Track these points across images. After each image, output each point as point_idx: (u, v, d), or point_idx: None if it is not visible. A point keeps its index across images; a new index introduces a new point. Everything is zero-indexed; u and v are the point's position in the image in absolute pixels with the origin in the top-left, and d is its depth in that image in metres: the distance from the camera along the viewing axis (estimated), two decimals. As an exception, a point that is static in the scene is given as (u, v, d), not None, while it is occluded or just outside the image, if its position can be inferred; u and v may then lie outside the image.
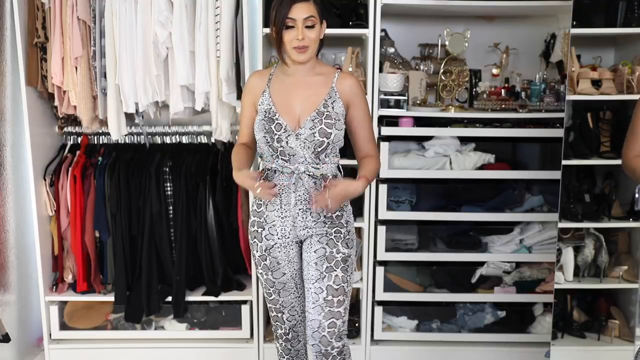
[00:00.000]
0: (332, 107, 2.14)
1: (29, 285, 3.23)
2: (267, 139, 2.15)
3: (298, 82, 2.18)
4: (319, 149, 2.13)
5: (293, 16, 2.05)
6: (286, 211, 2.18)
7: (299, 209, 2.17)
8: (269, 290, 2.28)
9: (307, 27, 2.07)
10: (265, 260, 2.24)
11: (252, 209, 2.26)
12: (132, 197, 3.14)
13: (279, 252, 2.22)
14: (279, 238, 2.21)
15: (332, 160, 2.19)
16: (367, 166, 2.18)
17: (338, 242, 2.19)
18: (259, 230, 2.23)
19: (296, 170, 2.14)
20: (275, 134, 2.13)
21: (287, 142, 2.12)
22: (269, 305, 2.34)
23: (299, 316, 2.33)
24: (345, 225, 2.22)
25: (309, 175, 2.15)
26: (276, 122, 2.13)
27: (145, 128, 3.22)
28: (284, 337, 2.36)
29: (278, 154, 2.15)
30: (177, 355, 3.24)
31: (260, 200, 2.21)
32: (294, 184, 2.15)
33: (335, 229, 2.20)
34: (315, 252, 2.19)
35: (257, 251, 2.25)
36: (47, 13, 2.95)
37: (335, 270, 2.18)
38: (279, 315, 2.32)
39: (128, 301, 3.17)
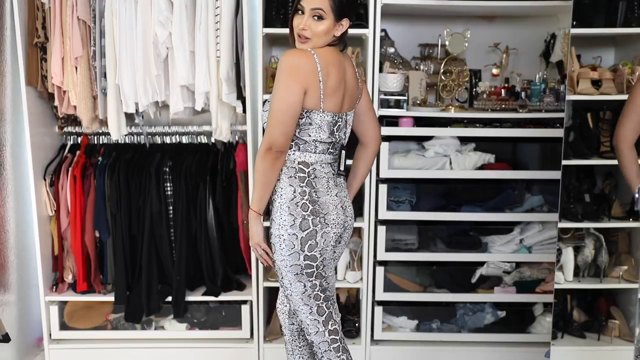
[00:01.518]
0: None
1: (29, 285, 3.23)
2: None
3: None
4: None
5: (303, 3, 2.06)
6: None
7: None
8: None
9: (314, 17, 2.05)
10: None
11: None
12: (132, 197, 3.14)
13: None
14: None
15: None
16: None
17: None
18: None
19: None
20: None
21: None
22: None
23: None
24: (270, 226, 2.17)
25: None
26: None
27: (145, 128, 3.21)
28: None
29: None
30: (177, 355, 3.23)
31: None
32: None
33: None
34: None
35: None
36: (47, 13, 2.95)
37: None
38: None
39: (128, 301, 3.17)
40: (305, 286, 2.15)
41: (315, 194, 2.13)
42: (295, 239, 2.10)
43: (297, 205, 2.10)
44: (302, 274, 2.14)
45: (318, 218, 2.11)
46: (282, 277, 2.17)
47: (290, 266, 2.13)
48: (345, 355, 2.24)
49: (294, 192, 2.11)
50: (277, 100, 2.02)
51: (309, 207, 2.10)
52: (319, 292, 2.18)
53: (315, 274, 2.15)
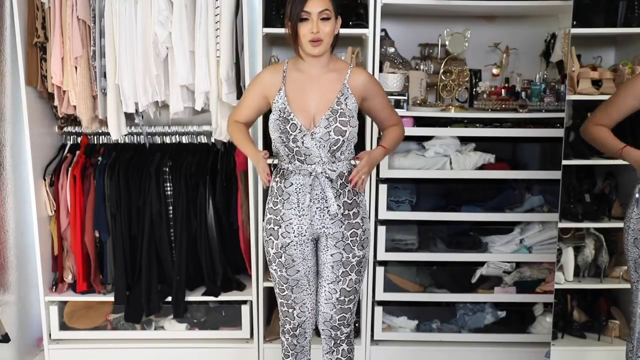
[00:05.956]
0: (345, 104, 2.17)
1: (29, 285, 3.23)
2: (282, 139, 2.17)
3: (312, 79, 2.20)
4: (334, 148, 2.16)
5: (308, 9, 2.09)
6: (303, 210, 2.21)
7: (316, 208, 2.21)
8: (282, 286, 2.31)
9: (322, 20, 2.10)
10: (281, 257, 2.26)
11: (268, 206, 2.29)
12: (132, 197, 3.14)
13: (295, 249, 2.25)
14: (295, 236, 2.24)
15: (347, 157, 2.24)
16: (389, 135, 2.30)
17: (354, 246, 2.24)
18: (275, 227, 2.25)
19: (313, 172, 2.17)
20: (291, 134, 2.15)
21: (302, 142, 2.15)
22: (280, 301, 2.36)
23: (309, 313, 2.35)
24: (361, 224, 2.26)
25: (325, 176, 2.18)
26: (291, 122, 2.15)
27: (145, 128, 3.22)
28: (292, 332, 2.37)
29: (294, 154, 2.18)
30: (177, 355, 3.23)
31: (277, 198, 2.24)
32: (310, 184, 2.18)
33: (352, 230, 2.23)
34: (331, 255, 2.25)
35: (272, 248, 2.28)
36: (47, 13, 2.94)
37: (350, 275, 2.26)
38: (290, 311, 2.33)
39: (128, 301, 3.17)
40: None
41: None
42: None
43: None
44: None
45: None
46: (364, 270, 2.33)
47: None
48: None
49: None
50: (387, 99, 2.34)
51: None
52: None
53: None
